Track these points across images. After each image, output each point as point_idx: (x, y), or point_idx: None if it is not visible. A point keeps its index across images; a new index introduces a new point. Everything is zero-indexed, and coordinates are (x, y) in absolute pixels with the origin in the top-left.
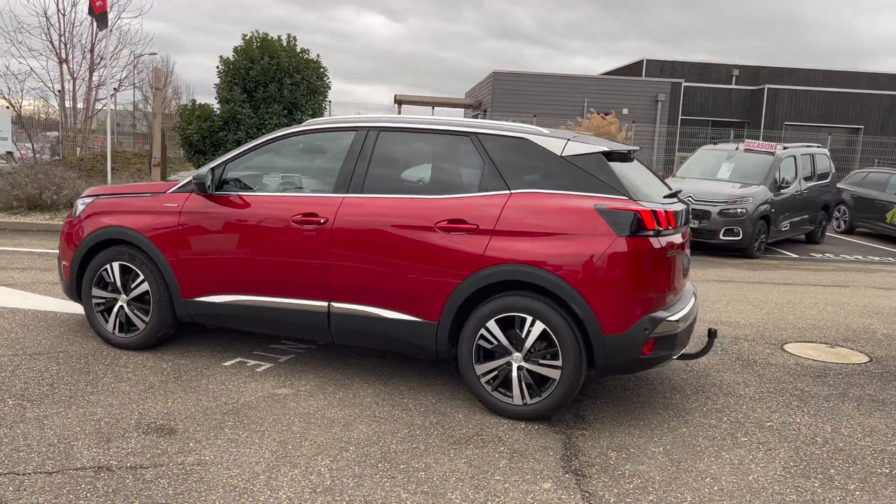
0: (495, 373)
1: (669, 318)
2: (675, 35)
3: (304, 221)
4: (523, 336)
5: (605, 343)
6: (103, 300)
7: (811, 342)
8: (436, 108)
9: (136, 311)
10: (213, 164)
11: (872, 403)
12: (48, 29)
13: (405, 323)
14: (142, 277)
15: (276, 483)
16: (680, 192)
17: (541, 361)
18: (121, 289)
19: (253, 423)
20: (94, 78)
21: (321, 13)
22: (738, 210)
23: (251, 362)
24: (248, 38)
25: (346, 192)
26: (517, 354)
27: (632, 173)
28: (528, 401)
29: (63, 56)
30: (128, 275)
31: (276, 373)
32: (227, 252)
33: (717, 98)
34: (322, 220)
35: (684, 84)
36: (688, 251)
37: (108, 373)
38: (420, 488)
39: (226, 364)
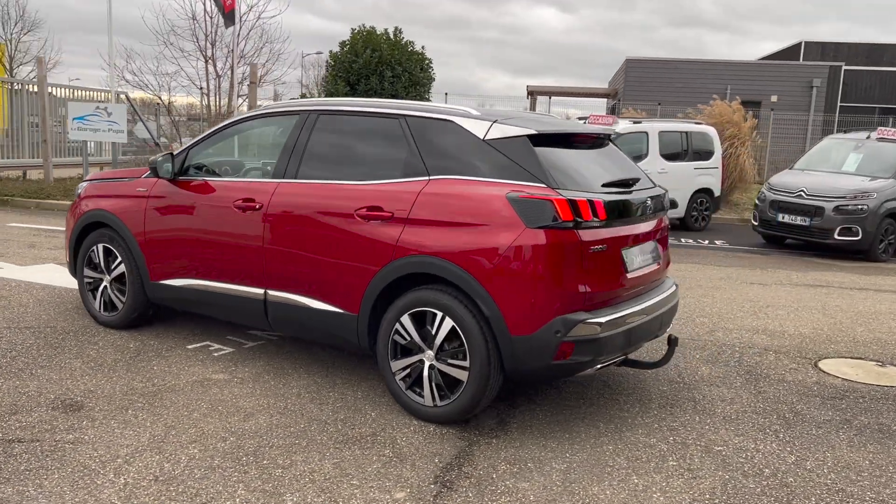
0: (409, 370)
1: (589, 321)
2: (884, 14)
3: (244, 207)
4: (433, 333)
5: (512, 345)
6: (91, 279)
7: (860, 359)
8: (574, 97)
9: (115, 292)
10: (176, 151)
11: (875, 434)
12: (195, 30)
13: (330, 314)
14: (119, 259)
15: (126, 468)
16: (637, 181)
17: (450, 361)
18: (104, 269)
19: (162, 406)
20: (237, 74)
21: (493, 9)
22: (859, 206)
23: (215, 346)
24: (355, 31)
25: (283, 178)
26: (430, 353)
27: (575, 159)
28: (438, 402)
29: (208, 55)
30: (109, 256)
31: (230, 358)
32: (184, 236)
33: (885, 82)
34: (258, 206)
35: (845, 68)
36: (656, 245)
37: (73, 349)
38: (264, 486)
39: (189, 347)
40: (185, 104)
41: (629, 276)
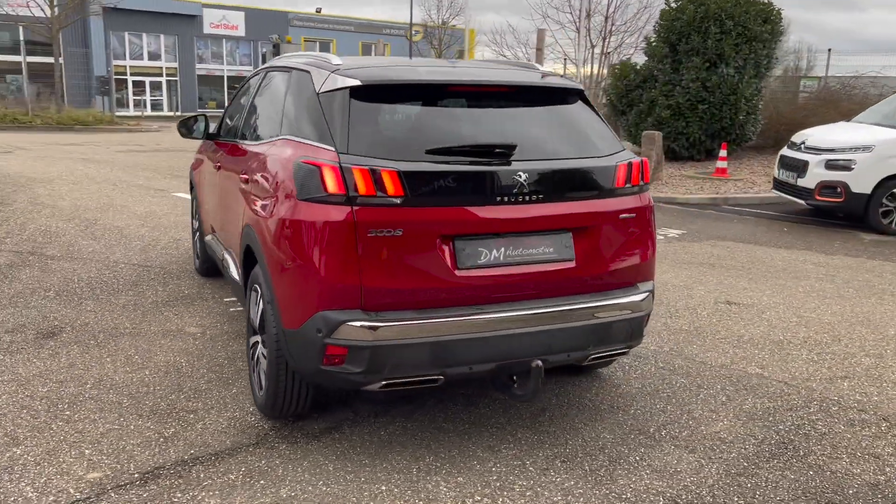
0: (252, 351)
1: (357, 323)
2: None
3: (216, 167)
4: (257, 316)
5: (286, 339)
6: (196, 229)
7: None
8: None
9: (196, 245)
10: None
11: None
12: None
13: (235, 280)
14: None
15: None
16: (513, 148)
17: (262, 349)
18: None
19: (96, 343)
20: (611, 43)
21: None
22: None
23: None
24: None
25: (234, 139)
26: (258, 336)
27: (423, 117)
28: (258, 393)
29: (579, 25)
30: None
31: (231, 317)
32: (201, 195)
33: None
34: (216, 167)
35: None
36: (560, 237)
37: (132, 289)
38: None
39: (226, 300)
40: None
41: (465, 273)
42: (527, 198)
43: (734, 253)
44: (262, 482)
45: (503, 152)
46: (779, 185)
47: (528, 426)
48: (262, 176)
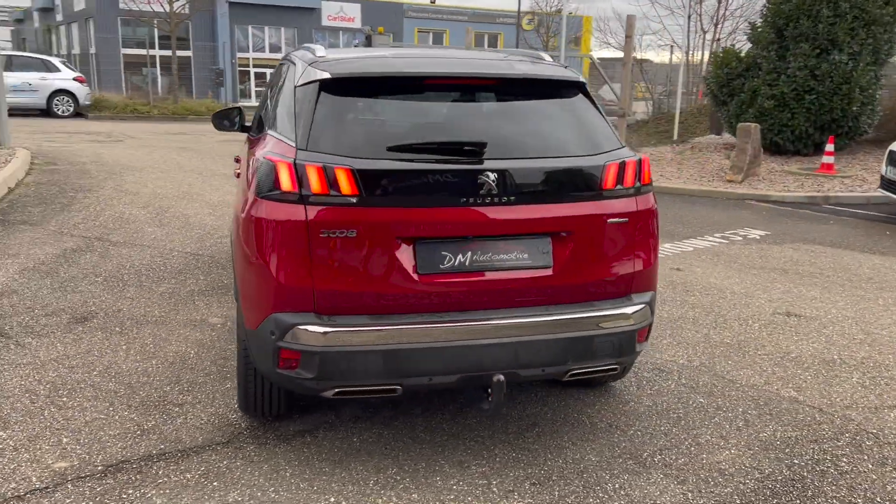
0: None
1: (307, 327)
2: None
3: (237, 161)
4: None
5: (247, 338)
6: None
7: None
8: None
9: None
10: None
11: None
12: None
13: None
14: None
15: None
16: (482, 146)
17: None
18: None
19: (120, 330)
20: (724, 28)
21: None
22: None
23: None
24: None
25: (251, 131)
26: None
27: (396, 111)
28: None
29: (691, 11)
30: None
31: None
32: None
33: None
34: (236, 160)
35: None
36: (537, 242)
37: (175, 277)
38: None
39: None
40: (658, 61)
41: (427, 279)
42: (497, 199)
43: (816, 258)
44: (215, 484)
45: (472, 150)
46: (886, 183)
47: (510, 442)
48: (244, 171)
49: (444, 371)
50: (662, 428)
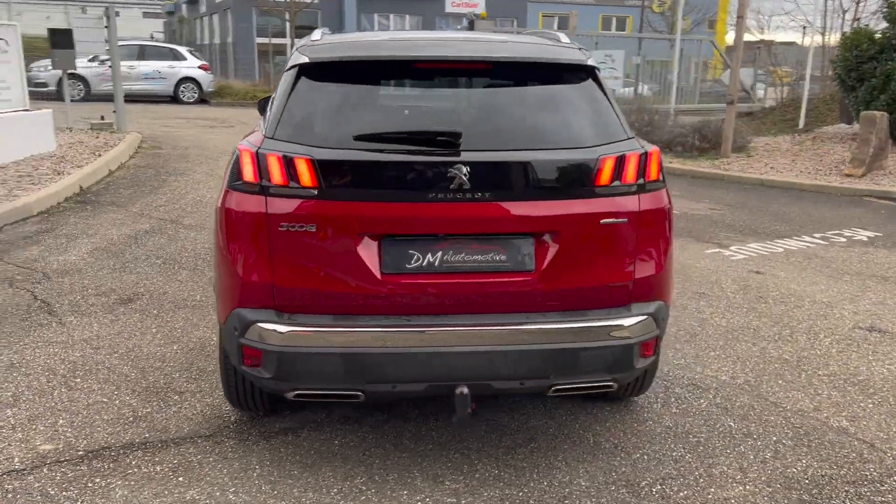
0: None
1: (265, 324)
2: None
3: None
4: None
5: (220, 333)
6: None
7: None
8: None
9: None
10: None
11: None
12: None
13: None
14: None
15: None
16: (456, 136)
17: None
18: None
19: (157, 313)
20: (865, 6)
21: None
22: None
23: None
24: None
25: None
26: None
27: (371, 97)
28: None
29: None
30: None
31: None
32: None
33: None
34: None
35: None
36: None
37: None
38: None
39: None
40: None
41: (392, 279)
42: (471, 195)
43: None
44: (179, 479)
45: (446, 141)
46: None
47: (498, 457)
48: None
49: (409, 379)
50: (674, 453)
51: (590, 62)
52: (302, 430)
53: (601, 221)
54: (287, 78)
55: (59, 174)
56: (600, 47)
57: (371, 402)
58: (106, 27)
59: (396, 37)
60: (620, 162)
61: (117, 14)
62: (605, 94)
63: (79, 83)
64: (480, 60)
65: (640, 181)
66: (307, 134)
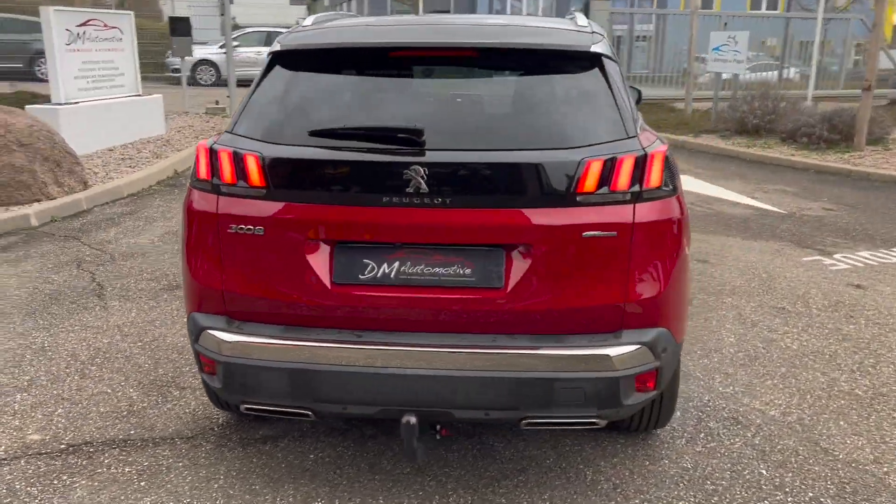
0: None
1: (214, 333)
2: None
3: None
4: None
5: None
6: None
7: None
8: None
9: None
10: None
11: None
12: None
13: None
14: None
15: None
16: (418, 133)
17: None
18: None
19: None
20: None
21: None
22: None
23: None
24: None
25: None
26: None
27: (344, 87)
28: None
29: None
30: None
31: None
32: None
33: None
34: None
35: None
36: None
37: None
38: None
39: None
40: None
41: (344, 290)
42: (431, 200)
43: None
44: (141, 484)
45: (407, 138)
46: None
47: (477, 490)
48: None
49: (359, 401)
50: (682, 502)
51: (595, 49)
52: (283, 439)
53: (583, 234)
54: (263, 67)
55: (157, 157)
56: (729, 28)
57: (327, 419)
58: (221, 15)
59: (386, 22)
60: (609, 165)
61: (231, 2)
62: (611, 85)
63: (211, 69)
64: (461, 47)
65: (636, 188)
66: (264, 129)
